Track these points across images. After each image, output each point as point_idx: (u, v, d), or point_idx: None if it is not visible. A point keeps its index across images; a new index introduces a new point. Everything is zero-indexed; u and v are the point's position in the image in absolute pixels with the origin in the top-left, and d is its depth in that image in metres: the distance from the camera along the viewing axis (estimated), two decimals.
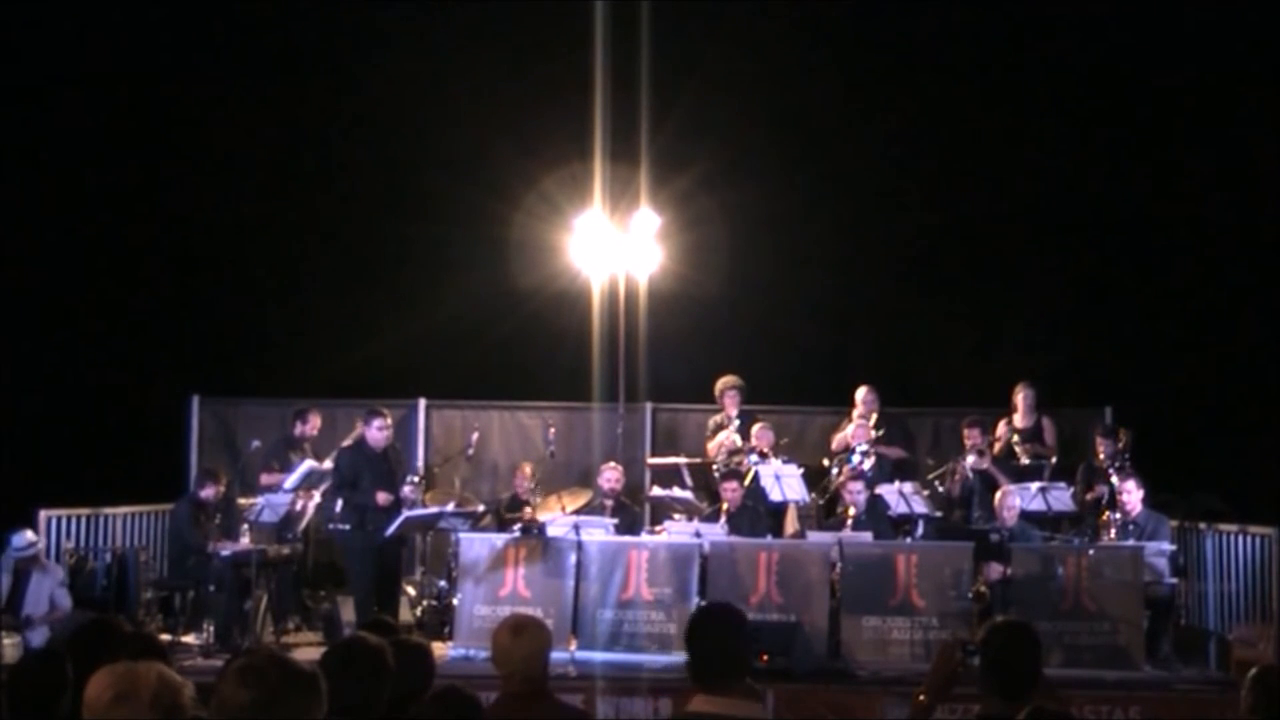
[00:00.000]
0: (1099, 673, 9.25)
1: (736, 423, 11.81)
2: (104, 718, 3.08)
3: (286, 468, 11.28)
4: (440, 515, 10.68)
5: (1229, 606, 10.51)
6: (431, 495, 11.47)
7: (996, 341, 13.24)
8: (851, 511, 10.70)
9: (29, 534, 10.23)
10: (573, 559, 10.06)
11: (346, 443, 11.06)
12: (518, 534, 10.44)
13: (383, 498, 10.31)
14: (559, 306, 12.93)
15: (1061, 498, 10.70)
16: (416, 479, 11.09)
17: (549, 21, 13.14)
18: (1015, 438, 11.53)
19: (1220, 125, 13.19)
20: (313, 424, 11.65)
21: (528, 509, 11.09)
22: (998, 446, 11.52)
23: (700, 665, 3.81)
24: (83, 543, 11.23)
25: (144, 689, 3.10)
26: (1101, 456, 10.95)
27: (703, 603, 9.30)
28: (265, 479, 11.37)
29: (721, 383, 12.01)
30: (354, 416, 11.90)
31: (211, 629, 10.17)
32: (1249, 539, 10.29)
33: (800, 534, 10.89)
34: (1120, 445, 10.81)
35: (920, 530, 10.66)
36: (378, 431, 10.57)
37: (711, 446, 11.96)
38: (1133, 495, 10.32)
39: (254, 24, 13.47)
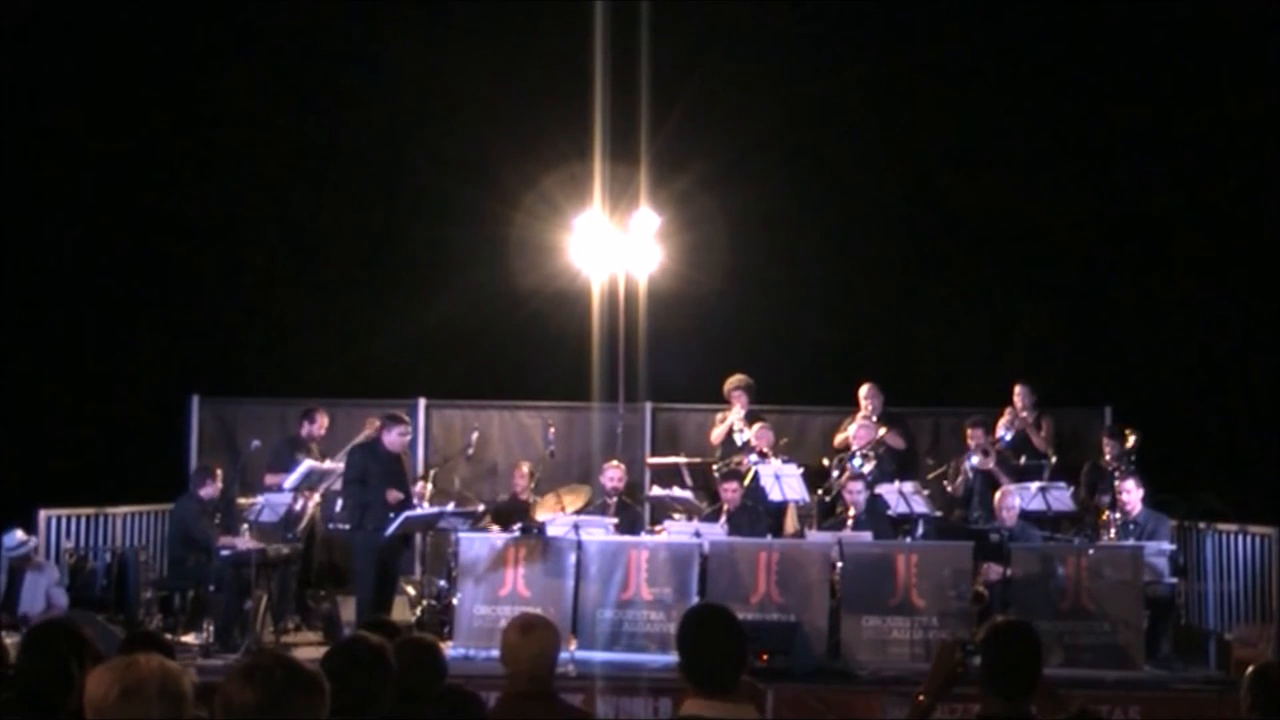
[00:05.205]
0: (1099, 673, 9.25)
1: (743, 413, 11.85)
2: (111, 716, 3.08)
3: (292, 468, 11.28)
4: (440, 515, 10.69)
5: (1229, 606, 10.51)
6: (432, 495, 11.47)
7: (997, 341, 13.25)
8: (851, 511, 10.70)
9: (19, 533, 10.23)
10: (573, 559, 10.07)
11: (359, 441, 11.11)
12: (518, 534, 10.45)
13: (393, 495, 10.31)
14: (559, 306, 12.94)
15: (1061, 498, 10.70)
16: (433, 472, 11.19)
17: (549, 21, 13.15)
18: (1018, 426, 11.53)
19: (1221, 126, 13.19)
20: (320, 424, 11.64)
21: (530, 511, 11.09)
22: (1010, 434, 11.48)
23: (692, 669, 3.75)
24: (83, 543, 11.22)
25: (149, 682, 3.10)
26: (1108, 457, 10.96)
27: (693, 604, 9.29)
28: (270, 479, 11.36)
29: (730, 382, 12.01)
30: (354, 416, 11.96)
31: (211, 629, 10.16)
32: (1249, 539, 10.30)
33: (800, 534, 10.90)
34: (1128, 446, 10.82)
35: (920, 530, 10.66)
36: (399, 437, 10.57)
37: (716, 434, 12.00)
38: (1132, 495, 10.33)
39: (256, 25, 13.48)
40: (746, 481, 11.00)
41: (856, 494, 10.74)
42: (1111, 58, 13.49)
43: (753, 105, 13.82)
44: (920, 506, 10.69)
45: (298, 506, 10.99)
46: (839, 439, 11.91)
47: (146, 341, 13.68)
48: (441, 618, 10.56)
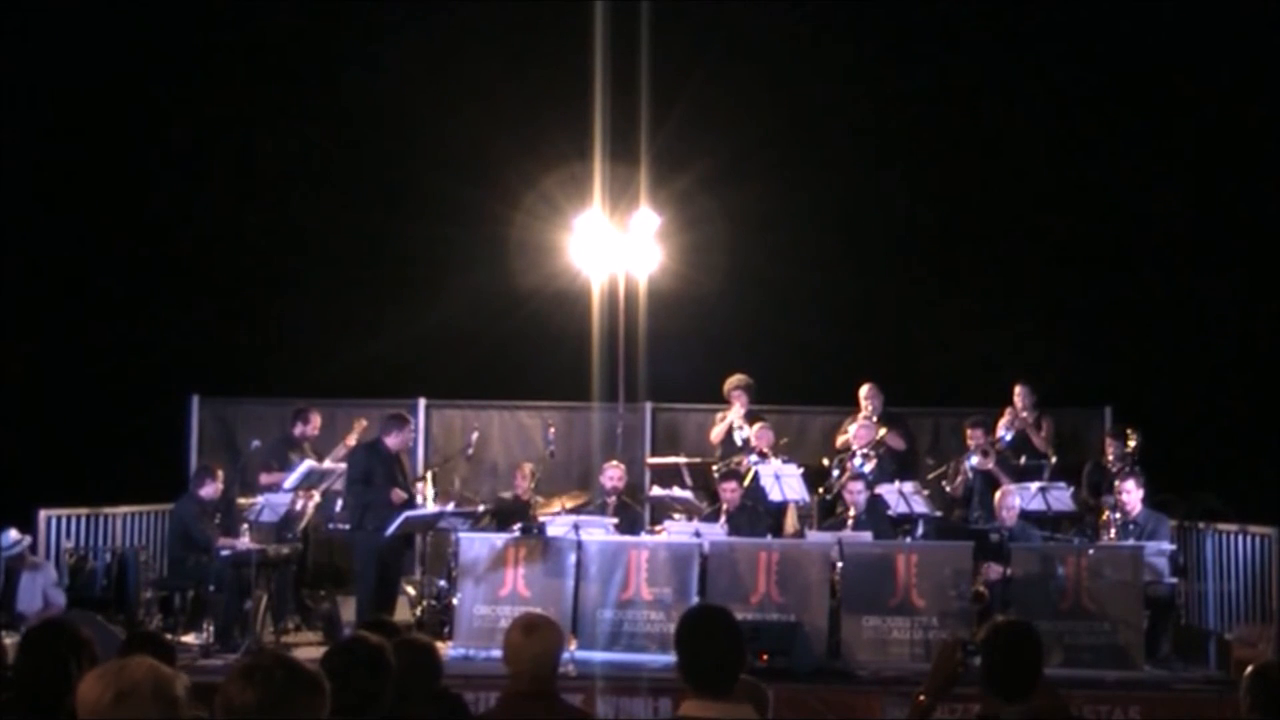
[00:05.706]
0: (1099, 673, 9.25)
1: (742, 412, 11.85)
2: (105, 719, 3.08)
3: (286, 467, 11.29)
4: (440, 515, 10.70)
5: (1229, 606, 10.51)
6: (432, 495, 11.47)
7: (997, 341, 13.25)
8: (851, 511, 10.71)
9: (13, 532, 10.21)
10: (573, 559, 10.07)
11: (352, 442, 11.11)
12: (518, 534, 10.44)
13: (398, 495, 10.31)
14: (559, 306, 12.94)
15: (1061, 498, 10.71)
16: (433, 472, 11.20)
17: (549, 21, 13.15)
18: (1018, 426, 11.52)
19: (1221, 126, 13.19)
20: (313, 424, 11.69)
21: (531, 511, 11.09)
22: (1010, 434, 11.48)
23: (690, 670, 3.74)
24: (83, 543, 11.22)
25: (143, 685, 3.10)
26: (1110, 457, 10.96)
27: (691, 605, 9.28)
28: (265, 479, 11.39)
29: (730, 382, 12.02)
30: (354, 416, 11.95)
31: (211, 629, 10.17)
32: (1249, 539, 10.30)
33: (800, 534, 10.90)
34: (1129, 448, 10.82)
35: (920, 530, 10.67)
36: (410, 433, 10.65)
37: (716, 434, 11.99)
38: (1132, 495, 10.32)
39: (256, 26, 13.47)
40: (746, 481, 11.00)
41: (856, 494, 10.75)
42: (1111, 58, 13.49)
43: (753, 105, 13.81)
44: (920, 506, 10.70)
45: (298, 507, 11.00)
46: (839, 439, 11.92)
47: (146, 341, 13.67)
48: (441, 618, 10.56)
